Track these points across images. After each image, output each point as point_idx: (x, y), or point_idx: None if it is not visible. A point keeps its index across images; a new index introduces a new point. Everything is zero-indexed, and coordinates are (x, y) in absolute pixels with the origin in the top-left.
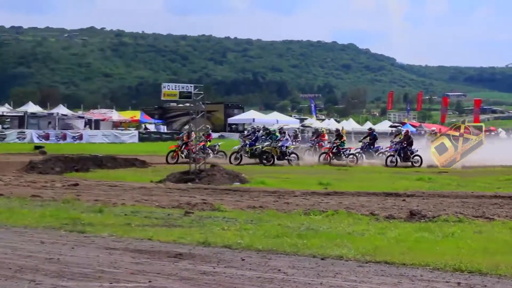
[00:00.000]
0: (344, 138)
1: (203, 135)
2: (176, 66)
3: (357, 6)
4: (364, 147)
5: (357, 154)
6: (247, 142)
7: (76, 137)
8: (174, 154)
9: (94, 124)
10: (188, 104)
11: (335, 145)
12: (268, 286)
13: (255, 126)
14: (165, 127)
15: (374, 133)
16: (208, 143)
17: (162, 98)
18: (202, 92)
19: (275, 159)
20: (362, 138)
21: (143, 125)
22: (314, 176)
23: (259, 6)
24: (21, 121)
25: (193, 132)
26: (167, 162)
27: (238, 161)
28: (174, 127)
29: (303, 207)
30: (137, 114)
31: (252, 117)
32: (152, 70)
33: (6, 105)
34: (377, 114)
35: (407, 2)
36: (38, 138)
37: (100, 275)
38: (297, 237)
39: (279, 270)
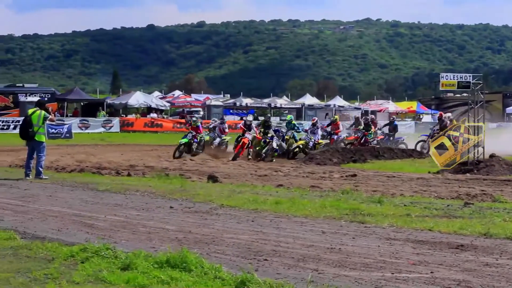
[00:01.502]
0: (374, 128)
1: (191, 125)
2: (452, 56)
3: None
4: (384, 137)
5: (381, 143)
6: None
7: None
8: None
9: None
10: (466, 94)
11: (363, 135)
12: None
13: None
14: None
15: (396, 122)
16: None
17: (440, 88)
18: (481, 82)
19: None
20: (382, 126)
21: (419, 116)
22: None
23: None
24: (299, 113)
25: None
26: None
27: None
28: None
29: None
30: (413, 105)
31: None
32: (428, 61)
33: (284, 97)
34: None
35: None
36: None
37: (381, 265)
38: None
39: None
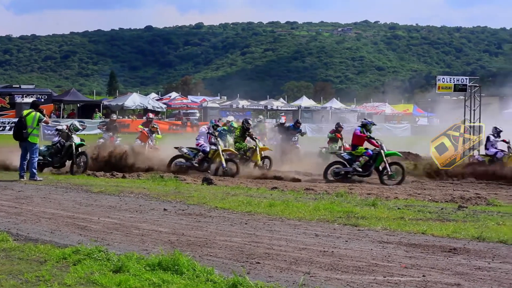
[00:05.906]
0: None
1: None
2: (450, 58)
3: None
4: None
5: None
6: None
7: (349, 131)
8: None
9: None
10: (462, 97)
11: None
12: None
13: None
14: (438, 120)
15: (291, 124)
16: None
17: (437, 91)
18: (478, 85)
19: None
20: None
21: (416, 119)
22: None
23: None
24: (295, 115)
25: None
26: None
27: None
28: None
29: None
30: (410, 107)
31: None
32: (425, 63)
33: (281, 99)
34: None
35: None
36: (311, 132)
37: (373, 269)
38: None
39: None
